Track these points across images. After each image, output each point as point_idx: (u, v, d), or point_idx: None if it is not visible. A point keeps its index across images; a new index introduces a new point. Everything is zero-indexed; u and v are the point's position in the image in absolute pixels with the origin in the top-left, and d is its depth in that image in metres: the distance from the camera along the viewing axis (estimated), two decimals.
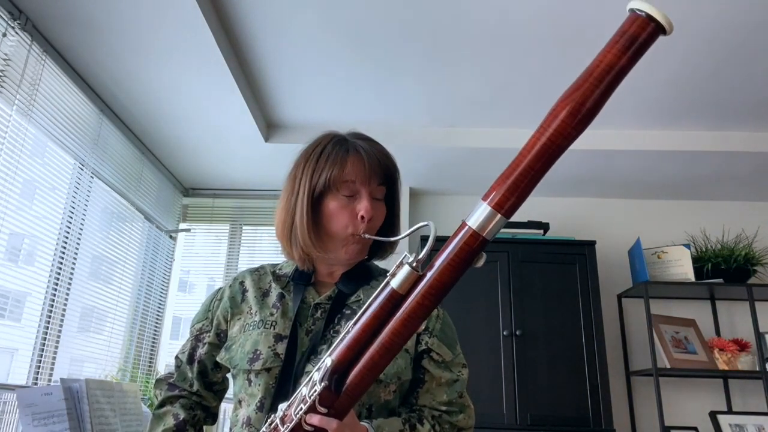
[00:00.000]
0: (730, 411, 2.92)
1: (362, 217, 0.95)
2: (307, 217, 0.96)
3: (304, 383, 0.79)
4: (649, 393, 2.99)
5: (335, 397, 0.76)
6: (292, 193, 1.00)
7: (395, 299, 0.74)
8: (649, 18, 0.63)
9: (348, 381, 0.75)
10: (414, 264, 0.74)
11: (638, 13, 0.64)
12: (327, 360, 0.76)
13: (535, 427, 2.60)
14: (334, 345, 0.78)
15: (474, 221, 0.69)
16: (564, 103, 0.66)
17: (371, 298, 0.76)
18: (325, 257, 1.02)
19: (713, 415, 2.82)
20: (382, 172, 0.99)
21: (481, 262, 0.72)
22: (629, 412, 3.01)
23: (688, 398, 3.01)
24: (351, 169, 0.97)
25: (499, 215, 0.68)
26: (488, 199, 0.69)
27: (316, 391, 0.75)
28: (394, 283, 0.74)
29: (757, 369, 2.82)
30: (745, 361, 2.84)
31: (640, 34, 0.64)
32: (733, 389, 3.03)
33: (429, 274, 0.72)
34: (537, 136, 0.68)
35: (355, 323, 0.76)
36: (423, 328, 1.00)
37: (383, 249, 1.06)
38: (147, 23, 2.01)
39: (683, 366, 2.80)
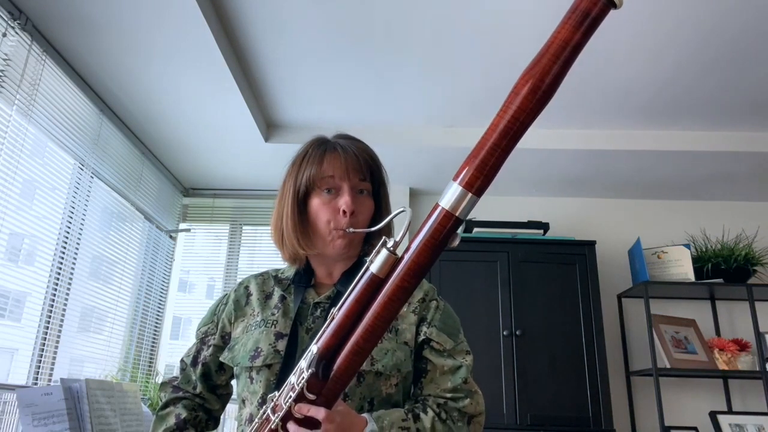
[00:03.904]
0: (730, 411, 2.92)
1: (344, 212, 0.97)
2: (292, 217, 1.00)
3: (293, 372, 0.80)
4: (649, 393, 2.99)
5: (323, 384, 0.77)
6: (282, 198, 1.04)
7: (376, 283, 0.75)
8: None
9: (335, 367, 0.76)
10: (391, 248, 0.76)
11: None
12: (313, 347, 0.77)
13: (535, 427, 2.60)
14: (320, 333, 0.79)
15: (446, 202, 0.71)
16: (524, 80, 0.68)
17: (353, 284, 0.77)
18: (320, 257, 1.04)
19: (713, 415, 2.82)
20: (361, 166, 1.01)
21: (456, 242, 0.73)
22: (629, 412, 3.01)
23: (688, 398, 3.01)
24: (329, 165, 0.99)
25: (470, 194, 0.70)
26: (458, 179, 0.71)
27: (303, 378, 0.76)
28: (374, 267, 0.76)
29: (757, 369, 2.82)
30: (745, 361, 2.84)
31: (592, 9, 0.66)
32: (733, 389, 3.03)
33: (406, 257, 0.74)
34: (501, 114, 0.69)
35: (338, 309, 0.78)
36: (420, 319, 1.01)
37: (371, 244, 1.06)
38: (147, 23, 2.01)
39: (683, 366, 2.80)
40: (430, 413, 0.92)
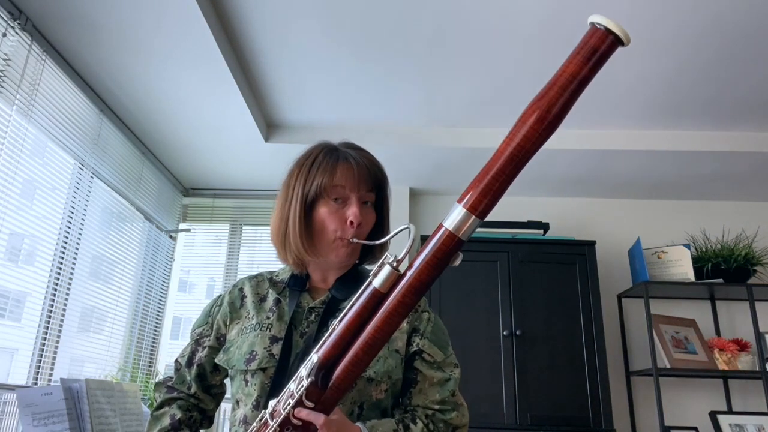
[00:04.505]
0: (730, 411, 2.93)
1: (351, 222, 0.99)
2: (299, 222, 1.00)
3: (292, 379, 0.82)
4: (649, 393, 2.99)
5: (321, 392, 0.79)
6: (286, 201, 1.04)
7: (377, 298, 0.78)
8: (608, 31, 0.67)
9: (334, 376, 0.79)
10: (395, 264, 0.78)
11: (598, 26, 0.68)
12: (314, 357, 0.80)
13: (535, 427, 2.60)
14: (320, 342, 0.81)
15: (450, 223, 0.74)
16: (531, 110, 0.70)
17: (355, 297, 0.80)
18: (318, 262, 1.05)
19: (713, 415, 2.82)
20: (371, 178, 1.03)
21: (457, 262, 0.75)
22: (629, 412, 3.01)
23: (688, 398, 3.01)
24: (341, 176, 1.00)
25: (473, 217, 0.73)
26: (463, 202, 0.73)
27: (303, 386, 0.79)
28: (376, 282, 0.78)
29: (757, 369, 2.82)
30: (745, 361, 2.84)
31: (600, 46, 0.68)
32: (733, 389, 3.03)
33: (409, 274, 0.76)
34: (507, 141, 0.72)
35: (340, 321, 0.80)
36: (413, 330, 1.03)
37: (373, 253, 1.09)
38: (147, 23, 2.01)
39: (683, 366, 2.80)
40: (420, 424, 0.95)
